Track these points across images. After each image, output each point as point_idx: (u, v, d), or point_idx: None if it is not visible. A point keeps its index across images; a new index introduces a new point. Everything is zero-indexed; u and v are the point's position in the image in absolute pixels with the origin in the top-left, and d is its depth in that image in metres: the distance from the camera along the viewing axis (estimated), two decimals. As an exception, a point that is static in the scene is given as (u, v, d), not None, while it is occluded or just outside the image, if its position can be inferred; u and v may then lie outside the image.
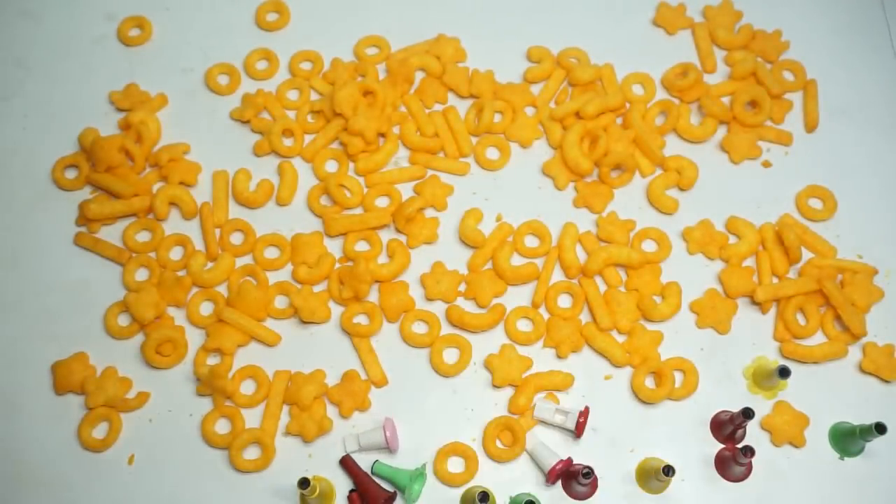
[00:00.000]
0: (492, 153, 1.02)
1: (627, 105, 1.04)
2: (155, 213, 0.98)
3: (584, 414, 0.84)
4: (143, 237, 0.97)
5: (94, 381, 0.88)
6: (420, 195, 0.98)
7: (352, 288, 0.91)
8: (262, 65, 1.08)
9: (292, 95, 1.06)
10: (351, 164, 1.01)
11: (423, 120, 1.03)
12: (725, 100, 1.05)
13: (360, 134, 0.99)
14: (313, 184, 1.00)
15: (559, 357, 0.90)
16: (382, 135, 1.02)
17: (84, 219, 0.97)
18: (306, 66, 1.08)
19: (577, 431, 0.84)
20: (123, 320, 0.92)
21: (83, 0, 1.13)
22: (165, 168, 1.00)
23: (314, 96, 1.06)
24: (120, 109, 1.04)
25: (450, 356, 0.90)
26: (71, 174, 1.01)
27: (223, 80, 1.07)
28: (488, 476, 0.85)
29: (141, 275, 0.95)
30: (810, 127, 1.04)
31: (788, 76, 1.07)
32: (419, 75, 1.07)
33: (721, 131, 1.03)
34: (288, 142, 1.02)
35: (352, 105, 1.00)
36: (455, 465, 0.85)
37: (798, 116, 1.05)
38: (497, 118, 1.03)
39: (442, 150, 1.02)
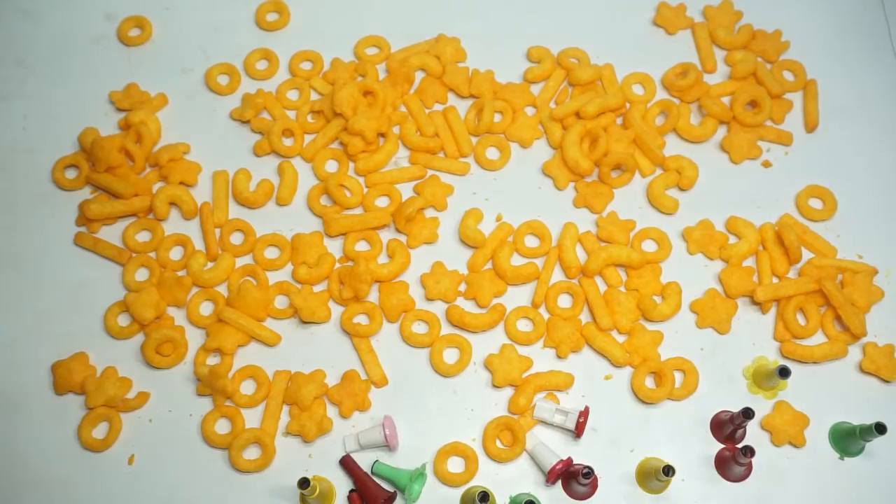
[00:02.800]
0: (492, 153, 1.02)
1: (627, 105, 1.04)
2: (155, 213, 0.98)
3: (584, 414, 0.84)
4: (143, 237, 0.97)
5: (94, 381, 0.88)
6: (420, 195, 0.98)
7: (352, 288, 0.91)
8: (262, 65, 1.08)
9: (292, 95, 1.06)
10: (351, 165, 1.01)
11: (423, 120, 1.03)
12: (725, 100, 1.05)
13: (360, 134, 0.99)
14: (313, 184, 1.00)
15: (559, 357, 0.90)
16: (382, 135, 1.02)
17: (84, 219, 0.97)
18: (306, 66, 1.08)
19: (577, 431, 0.84)
20: (123, 320, 0.92)
21: (83, 0, 1.13)
22: (165, 168, 1.00)
23: (314, 96, 1.06)
24: (120, 109, 1.04)
25: (450, 356, 0.90)
26: (71, 174, 1.01)
27: (223, 80, 1.07)
28: (488, 476, 0.85)
29: (141, 275, 0.95)
30: (810, 127, 1.04)
31: (788, 76, 1.07)
32: (419, 75, 1.07)
33: (721, 131, 1.03)
34: (288, 142, 1.02)
35: (352, 105, 1.00)
36: (455, 465, 0.85)
37: (798, 116, 1.05)
38: (497, 118, 1.03)
39: (442, 150, 1.02)
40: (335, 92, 1.00)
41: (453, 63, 1.06)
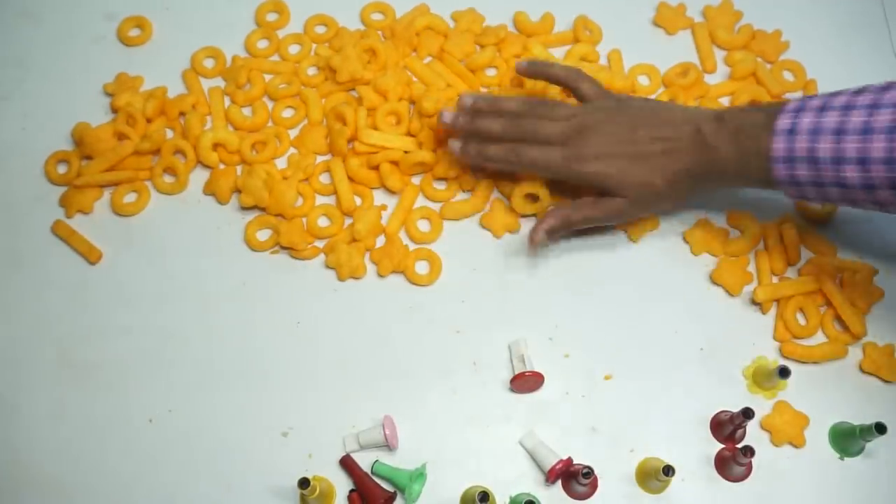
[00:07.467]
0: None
1: (632, 98, 1.04)
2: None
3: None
4: (130, 198, 0.99)
5: (93, 380, 0.88)
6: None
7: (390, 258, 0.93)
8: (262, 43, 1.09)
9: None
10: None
11: (430, 77, 1.03)
12: (725, 100, 1.05)
13: (385, 94, 0.99)
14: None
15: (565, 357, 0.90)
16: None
17: (70, 197, 0.97)
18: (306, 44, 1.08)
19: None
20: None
21: (83, 0, 1.13)
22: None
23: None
24: (116, 102, 1.05)
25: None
26: (64, 170, 1.00)
27: (209, 63, 1.08)
28: (488, 476, 0.85)
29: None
30: (810, 127, 1.03)
31: (788, 76, 1.07)
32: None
33: (721, 131, 1.03)
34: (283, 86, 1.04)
35: (363, 62, 1.01)
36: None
37: (798, 116, 1.05)
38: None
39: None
40: (342, 54, 1.02)
41: (465, 31, 1.06)
